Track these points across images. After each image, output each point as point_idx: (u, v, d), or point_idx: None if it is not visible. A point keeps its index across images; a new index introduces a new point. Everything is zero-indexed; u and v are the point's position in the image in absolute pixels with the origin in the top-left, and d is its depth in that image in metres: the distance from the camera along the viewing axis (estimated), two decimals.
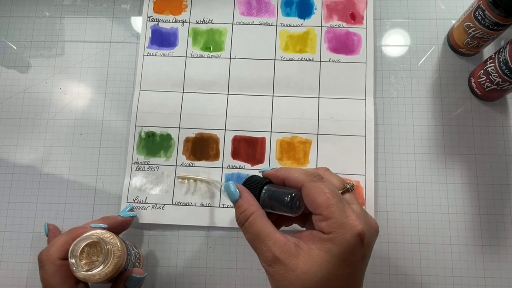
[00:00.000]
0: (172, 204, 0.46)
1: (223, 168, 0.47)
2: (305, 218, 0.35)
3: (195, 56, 0.50)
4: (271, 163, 0.46)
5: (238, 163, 0.47)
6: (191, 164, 0.47)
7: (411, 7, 0.51)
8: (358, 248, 0.28)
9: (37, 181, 0.47)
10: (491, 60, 0.42)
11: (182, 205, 0.46)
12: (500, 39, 0.49)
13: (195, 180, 0.46)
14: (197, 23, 0.51)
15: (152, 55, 0.50)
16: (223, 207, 0.46)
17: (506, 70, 0.40)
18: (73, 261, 0.34)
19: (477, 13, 0.42)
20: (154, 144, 0.47)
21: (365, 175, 0.46)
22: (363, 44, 0.49)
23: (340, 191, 0.31)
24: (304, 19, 0.50)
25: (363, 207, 0.45)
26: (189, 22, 0.51)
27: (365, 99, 0.48)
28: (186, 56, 0.50)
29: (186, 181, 0.46)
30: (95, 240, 0.35)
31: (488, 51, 0.49)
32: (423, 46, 0.50)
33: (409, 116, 0.48)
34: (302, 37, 0.50)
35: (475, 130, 0.47)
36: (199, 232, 0.46)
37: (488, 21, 0.41)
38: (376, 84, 0.49)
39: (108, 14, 0.52)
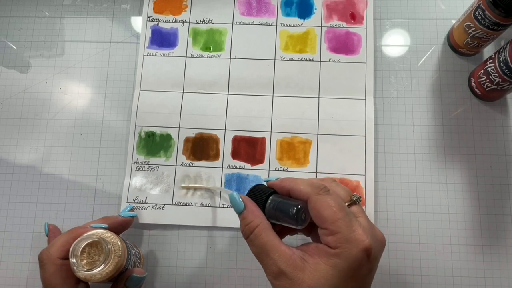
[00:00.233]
0: (172, 204, 0.46)
1: (223, 168, 0.47)
2: (311, 228, 0.34)
3: (195, 56, 0.50)
4: (271, 163, 0.46)
5: (238, 163, 0.47)
6: (191, 164, 0.47)
7: (411, 7, 0.51)
8: (365, 263, 0.28)
9: (37, 181, 0.47)
10: (491, 60, 0.42)
11: (182, 205, 0.46)
12: (500, 39, 0.49)
13: (200, 189, 0.46)
14: (197, 23, 0.51)
15: (152, 55, 0.50)
16: (223, 207, 0.46)
17: (506, 70, 0.40)
18: (74, 260, 0.34)
19: (477, 13, 0.42)
20: (154, 144, 0.47)
21: (365, 175, 0.46)
22: (363, 44, 0.49)
23: (346, 204, 0.31)
24: (304, 19, 0.50)
25: (363, 207, 0.45)
26: (189, 22, 0.51)
27: (365, 99, 0.48)
28: (186, 56, 0.50)
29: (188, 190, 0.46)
30: (96, 239, 0.35)
31: (488, 51, 0.49)
32: (423, 46, 0.50)
33: (409, 116, 0.48)
34: (302, 37, 0.50)
35: (475, 130, 0.47)
36: (199, 232, 0.46)
37: (488, 21, 0.41)
38: (376, 84, 0.49)
39: (108, 14, 0.52)
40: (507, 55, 0.39)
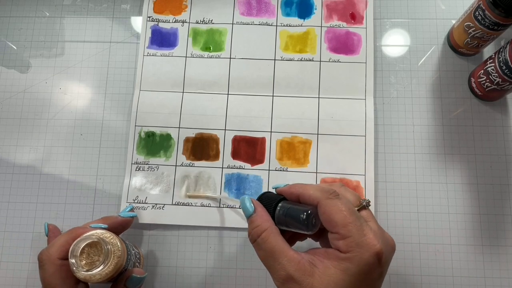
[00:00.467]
0: (172, 204, 0.46)
1: (223, 168, 0.47)
2: (320, 233, 0.34)
3: (195, 56, 0.50)
4: (271, 163, 0.46)
5: (238, 163, 0.47)
6: (191, 164, 0.47)
7: (411, 7, 0.51)
8: (376, 267, 0.28)
9: (37, 181, 0.47)
10: (491, 60, 0.42)
11: (182, 205, 0.46)
12: (500, 39, 0.49)
13: (206, 197, 0.46)
14: (197, 23, 0.51)
15: (152, 55, 0.50)
16: (223, 207, 0.46)
17: (506, 70, 0.40)
18: (73, 261, 0.34)
19: (477, 13, 0.42)
20: (154, 144, 0.47)
21: (365, 175, 0.46)
22: (363, 44, 0.49)
23: (356, 208, 0.30)
24: (304, 19, 0.50)
25: None
26: (189, 22, 0.51)
27: (365, 99, 0.48)
28: (186, 56, 0.50)
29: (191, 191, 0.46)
30: (95, 240, 0.35)
31: (488, 51, 0.49)
32: (423, 46, 0.50)
33: (409, 116, 0.48)
34: (302, 37, 0.50)
35: (475, 130, 0.47)
36: (199, 232, 0.46)
37: (488, 21, 0.41)
38: (376, 84, 0.49)
39: (108, 14, 0.52)
40: (507, 55, 0.39)
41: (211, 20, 0.51)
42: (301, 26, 0.50)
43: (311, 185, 0.31)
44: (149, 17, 0.51)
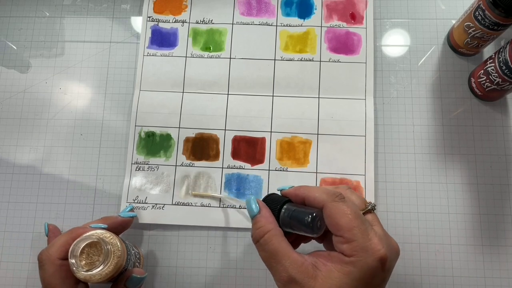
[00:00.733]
0: (172, 204, 0.46)
1: (223, 168, 0.47)
2: (324, 235, 0.33)
3: (195, 56, 0.50)
4: (271, 163, 0.46)
5: (238, 163, 0.47)
6: (191, 164, 0.47)
7: (411, 7, 0.51)
8: (379, 273, 0.27)
9: (37, 181, 0.47)
10: (491, 60, 0.42)
11: (182, 205, 0.46)
12: (500, 39, 0.49)
13: (211, 197, 0.46)
14: (197, 23, 0.51)
15: (152, 55, 0.50)
16: (223, 207, 0.46)
17: (506, 70, 0.40)
18: (73, 261, 0.34)
19: (477, 13, 0.42)
20: (154, 144, 0.47)
21: (365, 175, 0.46)
22: (363, 44, 0.49)
23: (361, 211, 0.30)
24: (304, 19, 0.50)
25: None
26: (189, 22, 0.51)
27: (365, 99, 0.48)
28: (186, 56, 0.50)
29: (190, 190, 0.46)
30: (95, 240, 0.35)
31: (488, 51, 0.49)
32: (423, 46, 0.50)
33: (409, 116, 0.48)
34: (302, 37, 0.50)
35: (475, 130, 0.47)
36: (199, 232, 0.46)
37: (488, 21, 0.41)
38: (376, 84, 0.49)
39: (108, 14, 0.52)
40: (507, 55, 0.39)
41: (211, 20, 0.51)
42: (301, 26, 0.50)
43: (316, 188, 0.31)
44: (149, 17, 0.51)
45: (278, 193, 0.35)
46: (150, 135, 0.48)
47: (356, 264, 0.27)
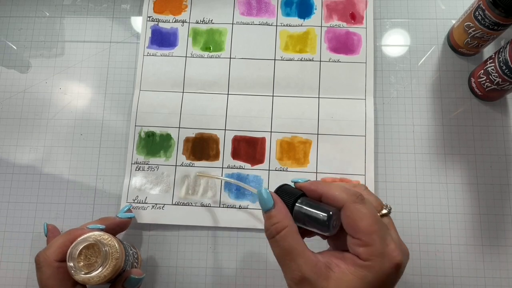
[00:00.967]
0: (172, 204, 0.46)
1: (223, 168, 0.47)
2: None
3: (195, 56, 0.50)
4: (271, 163, 0.46)
5: (238, 163, 0.47)
6: (191, 164, 0.47)
7: (411, 7, 0.51)
8: (393, 278, 0.27)
9: (37, 181, 0.47)
10: (491, 60, 0.42)
11: (182, 205, 0.46)
12: (500, 39, 0.49)
13: (216, 178, 0.45)
14: (197, 23, 0.51)
15: (152, 55, 0.50)
16: (223, 207, 0.46)
17: (506, 70, 0.40)
18: (72, 264, 0.34)
19: (477, 13, 0.42)
20: (154, 144, 0.47)
21: (365, 175, 0.46)
22: (363, 44, 0.49)
23: (379, 214, 0.29)
24: (304, 19, 0.50)
25: None
26: (189, 22, 0.51)
27: (365, 99, 0.48)
28: (186, 56, 0.50)
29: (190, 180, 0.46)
30: (93, 242, 0.35)
31: (488, 51, 0.49)
32: (423, 46, 0.50)
33: (409, 116, 0.48)
34: (302, 37, 0.50)
35: (475, 130, 0.47)
36: (199, 232, 0.46)
37: (488, 21, 0.41)
38: (376, 84, 0.49)
39: (108, 14, 0.52)
40: (507, 55, 0.39)
41: (211, 20, 0.51)
42: (301, 26, 0.50)
43: (336, 185, 0.30)
44: (149, 17, 0.51)
45: (291, 184, 0.33)
46: (150, 135, 0.48)
47: (372, 269, 0.27)
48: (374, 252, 0.27)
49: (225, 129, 0.47)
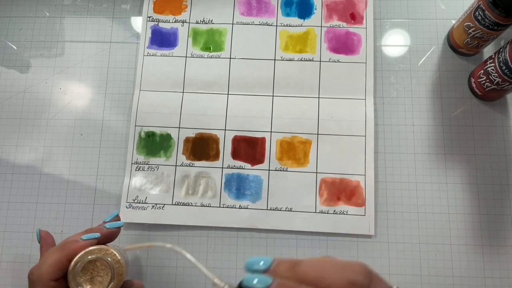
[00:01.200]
0: (172, 204, 0.46)
1: (223, 168, 0.47)
2: None
3: (195, 56, 0.50)
4: (271, 163, 0.46)
5: (238, 163, 0.47)
6: (191, 164, 0.47)
7: (411, 7, 0.51)
8: None
9: (37, 181, 0.47)
10: (491, 60, 0.42)
11: (182, 205, 0.46)
12: (500, 39, 0.49)
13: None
14: (197, 23, 0.51)
15: (152, 55, 0.50)
16: (223, 207, 0.46)
17: (506, 70, 0.40)
18: (74, 285, 0.32)
19: (477, 13, 0.42)
20: (154, 144, 0.47)
21: (365, 175, 0.46)
22: (363, 44, 0.49)
23: None
24: (304, 19, 0.50)
25: (363, 207, 0.45)
26: (189, 22, 0.51)
27: (365, 99, 0.48)
28: (186, 56, 0.50)
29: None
30: (96, 258, 0.33)
31: (488, 51, 0.49)
32: (423, 46, 0.50)
33: (409, 116, 0.48)
34: (302, 37, 0.50)
35: (475, 130, 0.47)
36: (199, 232, 0.46)
37: (488, 21, 0.41)
38: (376, 84, 0.49)
39: (108, 14, 0.52)
40: (507, 55, 0.39)
41: (211, 20, 0.51)
42: (301, 26, 0.50)
43: (333, 269, 0.23)
44: (149, 17, 0.51)
45: (255, 274, 0.26)
46: (150, 135, 0.48)
47: None
48: None
49: (225, 129, 0.47)
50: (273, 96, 0.48)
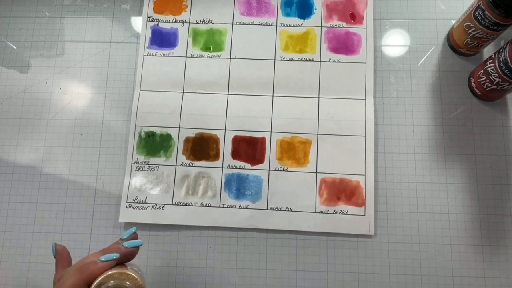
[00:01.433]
0: (172, 204, 0.46)
1: (223, 168, 0.47)
2: None
3: (195, 56, 0.50)
4: (271, 163, 0.46)
5: (238, 163, 0.47)
6: (191, 164, 0.47)
7: (411, 7, 0.51)
8: None
9: (37, 181, 0.47)
10: (491, 60, 0.42)
11: (182, 205, 0.46)
12: (500, 39, 0.49)
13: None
14: (197, 23, 0.51)
15: (152, 55, 0.50)
16: (223, 207, 0.46)
17: (506, 70, 0.40)
18: None
19: (477, 13, 0.42)
20: (154, 144, 0.47)
21: (365, 175, 0.46)
22: (363, 44, 0.49)
23: None
24: (304, 19, 0.50)
25: (363, 207, 0.45)
26: (189, 22, 0.51)
27: (365, 99, 0.48)
28: (186, 56, 0.50)
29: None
30: (116, 285, 0.31)
31: (488, 51, 0.49)
32: (423, 46, 0.50)
33: (409, 116, 0.48)
34: (302, 37, 0.50)
35: (475, 130, 0.47)
36: (199, 232, 0.46)
37: (488, 21, 0.41)
38: (376, 84, 0.49)
39: (108, 14, 0.52)
40: (507, 55, 0.39)
41: (211, 20, 0.51)
42: (301, 26, 0.50)
43: None
44: (149, 17, 0.51)
45: None
46: (150, 135, 0.48)
47: None
48: None
49: (225, 129, 0.47)
50: (273, 96, 0.48)
